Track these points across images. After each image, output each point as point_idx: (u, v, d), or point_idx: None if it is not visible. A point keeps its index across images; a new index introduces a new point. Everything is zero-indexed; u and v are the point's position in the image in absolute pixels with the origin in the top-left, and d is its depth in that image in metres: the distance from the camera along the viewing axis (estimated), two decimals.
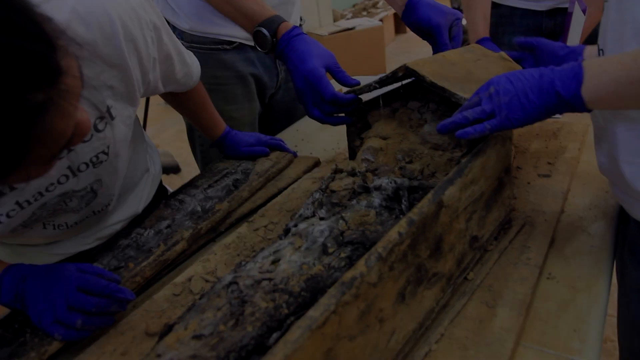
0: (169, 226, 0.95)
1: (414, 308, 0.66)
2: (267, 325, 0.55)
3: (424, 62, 0.87)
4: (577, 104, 0.68)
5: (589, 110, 0.70)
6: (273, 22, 1.05)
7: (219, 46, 1.32)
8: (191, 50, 1.28)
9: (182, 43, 1.28)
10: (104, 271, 0.77)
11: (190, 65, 1.03)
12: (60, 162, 0.77)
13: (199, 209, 1.00)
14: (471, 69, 0.92)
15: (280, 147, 1.23)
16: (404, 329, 0.64)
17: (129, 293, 0.75)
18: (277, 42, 1.04)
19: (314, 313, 0.51)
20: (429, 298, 0.69)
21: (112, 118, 0.81)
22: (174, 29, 1.30)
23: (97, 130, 0.79)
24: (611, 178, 0.81)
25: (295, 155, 1.23)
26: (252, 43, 1.33)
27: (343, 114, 1.01)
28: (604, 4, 0.76)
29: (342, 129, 1.03)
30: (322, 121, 1.02)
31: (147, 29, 0.82)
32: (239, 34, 1.33)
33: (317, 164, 1.21)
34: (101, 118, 0.79)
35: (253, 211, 1.04)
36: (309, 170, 1.18)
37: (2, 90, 0.42)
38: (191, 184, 1.11)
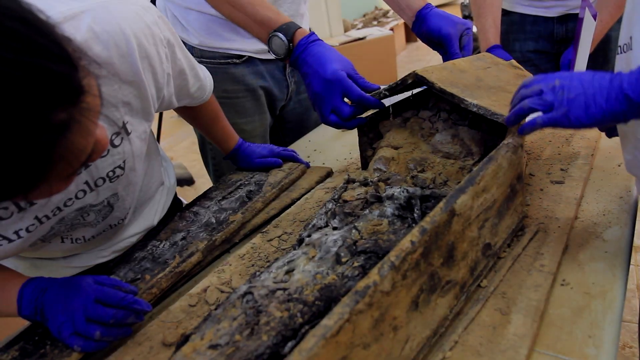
0: (184, 238, 0.96)
1: (427, 316, 0.66)
2: (282, 335, 0.56)
3: (433, 69, 0.88)
4: None
5: None
6: (289, 28, 1.05)
7: (229, 60, 1.34)
8: (202, 65, 1.31)
9: None
10: (121, 283, 0.79)
11: (203, 80, 1.04)
12: (78, 178, 0.78)
13: (213, 220, 1.01)
14: (481, 76, 0.93)
15: (293, 158, 1.25)
16: (418, 336, 0.65)
17: (146, 304, 0.77)
18: (294, 48, 1.04)
19: (328, 322, 0.51)
20: (443, 306, 0.69)
21: (128, 133, 0.83)
22: (183, 44, 1.33)
23: (114, 146, 0.81)
24: (637, 175, 0.81)
25: (307, 165, 1.24)
26: (261, 56, 1.36)
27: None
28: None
29: (355, 139, 1.04)
30: (339, 126, 1.00)
31: (161, 46, 0.84)
32: (248, 48, 1.35)
33: (329, 174, 1.22)
34: (117, 134, 0.81)
35: (267, 222, 1.05)
36: (321, 180, 1.19)
37: (27, 110, 0.44)
38: (205, 195, 1.12)
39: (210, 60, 1.33)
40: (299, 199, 1.11)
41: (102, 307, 0.73)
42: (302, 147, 1.46)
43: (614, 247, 0.84)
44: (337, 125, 1.00)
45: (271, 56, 1.25)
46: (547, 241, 0.85)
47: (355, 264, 0.66)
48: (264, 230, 1.00)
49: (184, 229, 1.00)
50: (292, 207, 1.08)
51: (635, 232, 0.92)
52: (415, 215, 0.75)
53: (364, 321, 0.55)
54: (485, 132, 0.92)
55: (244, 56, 1.35)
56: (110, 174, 0.83)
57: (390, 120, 1.00)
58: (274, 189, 1.12)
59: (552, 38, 1.71)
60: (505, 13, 1.76)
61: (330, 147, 1.43)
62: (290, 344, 0.56)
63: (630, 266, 0.84)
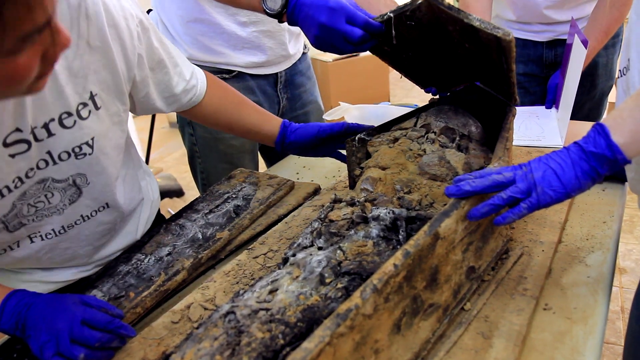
0: (169, 253, 0.96)
1: (409, 339, 0.66)
2: (262, 356, 0.56)
3: None
4: (613, 154, 0.68)
5: (628, 161, 0.69)
6: None
7: (218, 75, 1.34)
8: None
9: None
10: (108, 305, 0.78)
11: (189, 79, 1.01)
12: (39, 145, 0.77)
13: (199, 236, 1.01)
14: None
15: (350, 128, 1.10)
16: (400, 359, 0.65)
17: (131, 330, 0.77)
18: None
19: (309, 345, 0.51)
20: (425, 329, 0.69)
21: (97, 107, 0.82)
22: None
23: (80, 117, 0.80)
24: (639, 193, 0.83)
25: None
26: (251, 71, 1.37)
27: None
28: (626, 26, 0.78)
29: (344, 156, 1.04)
30: (355, 48, 0.97)
31: (131, 20, 0.83)
32: (238, 62, 1.36)
33: (317, 191, 1.22)
34: (84, 104, 0.80)
35: (253, 238, 1.05)
36: (309, 197, 1.19)
37: None
38: (191, 207, 1.12)
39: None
40: (286, 215, 1.11)
41: (89, 329, 0.72)
42: (290, 163, 1.47)
43: (596, 272, 0.85)
44: (357, 44, 0.96)
45: (261, 71, 1.28)
46: (531, 265, 0.86)
47: (339, 285, 0.66)
48: (249, 247, 1.00)
49: (169, 243, 0.99)
50: (278, 224, 1.08)
51: (618, 254, 0.93)
52: (401, 237, 0.75)
53: (345, 344, 0.55)
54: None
55: (234, 71, 1.36)
56: (77, 149, 0.81)
57: (379, 140, 1.00)
58: (261, 205, 1.12)
59: (541, 62, 1.75)
60: None
61: (319, 164, 1.44)
62: None
63: (615, 288, 0.85)
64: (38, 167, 0.78)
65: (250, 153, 1.49)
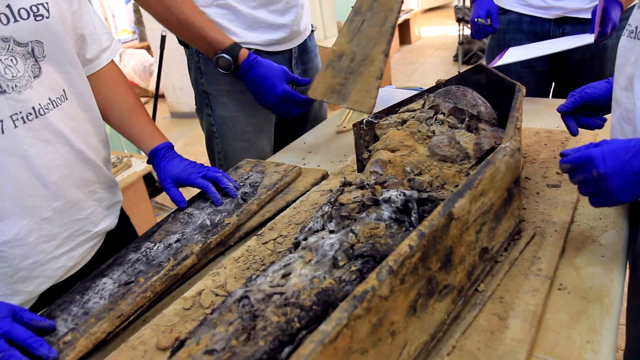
0: (178, 240, 0.95)
1: (425, 320, 0.65)
2: (279, 340, 0.55)
3: None
4: None
5: None
6: (234, 50, 1.28)
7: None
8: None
9: (202, 53, 1.38)
10: (40, 319, 0.77)
11: (99, 35, 1.05)
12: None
13: (208, 222, 1.00)
14: None
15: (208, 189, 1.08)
16: (416, 341, 0.64)
17: (52, 351, 0.73)
18: (239, 66, 1.29)
19: (326, 327, 0.51)
20: (440, 310, 0.68)
21: None
22: None
23: None
24: None
25: (218, 202, 1.07)
26: (267, 48, 1.43)
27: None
28: None
29: (349, 140, 1.04)
30: (296, 112, 1.35)
31: None
32: (254, 40, 1.40)
33: (325, 176, 1.21)
34: None
35: (262, 224, 1.05)
36: (317, 182, 1.18)
37: None
38: (199, 197, 1.11)
39: None
40: (294, 201, 1.11)
41: (4, 342, 0.72)
42: (296, 149, 1.46)
43: (611, 252, 0.84)
44: (294, 113, 1.35)
45: (277, 48, 1.41)
46: (544, 245, 0.85)
47: (353, 268, 0.65)
48: (259, 232, 1.00)
49: (178, 231, 0.99)
50: (287, 209, 1.07)
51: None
52: (413, 218, 0.74)
53: (362, 326, 0.54)
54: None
55: (250, 49, 1.35)
56: (34, 9, 0.86)
57: (387, 123, 0.99)
58: (269, 191, 1.11)
59: (548, 39, 1.72)
60: (503, 12, 1.77)
61: (325, 149, 1.43)
62: (287, 350, 0.55)
63: None
64: (1, 22, 0.82)
65: (267, 132, 1.52)
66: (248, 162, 1.28)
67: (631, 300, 0.98)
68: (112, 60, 1.11)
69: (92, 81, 1.04)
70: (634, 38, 0.75)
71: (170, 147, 1.11)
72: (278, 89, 1.28)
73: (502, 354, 0.65)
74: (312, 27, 1.60)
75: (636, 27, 0.74)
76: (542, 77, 1.79)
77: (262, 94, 1.31)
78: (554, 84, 1.86)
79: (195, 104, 1.52)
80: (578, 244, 0.87)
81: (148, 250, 0.94)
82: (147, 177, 2.72)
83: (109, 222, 1.05)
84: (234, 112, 1.44)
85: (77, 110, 0.96)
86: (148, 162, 1.14)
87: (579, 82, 1.48)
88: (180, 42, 1.43)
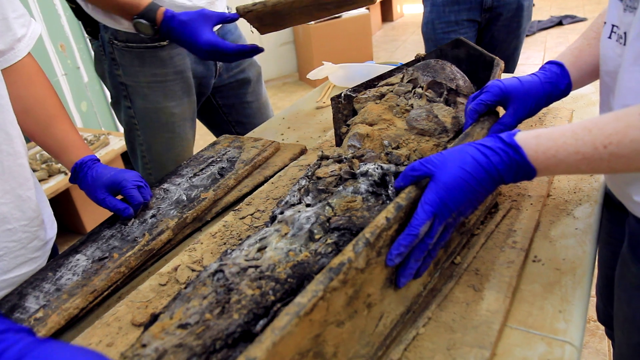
0: (153, 216, 0.94)
1: (401, 293, 0.66)
2: (253, 313, 0.55)
3: None
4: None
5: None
6: (151, 12, 1.15)
7: (156, 44, 1.28)
8: (127, 50, 1.26)
9: (117, 43, 1.27)
10: None
11: (11, 22, 0.86)
12: None
13: (184, 197, 0.99)
14: None
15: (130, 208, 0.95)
16: (392, 313, 0.64)
17: None
18: (159, 28, 1.16)
19: (302, 299, 0.50)
20: (417, 282, 0.69)
21: None
22: (115, 30, 1.27)
23: None
24: (612, 175, 0.81)
25: (128, 214, 0.94)
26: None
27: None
28: None
29: (330, 117, 1.02)
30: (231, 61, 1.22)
31: None
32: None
33: (303, 151, 1.20)
34: None
35: (239, 200, 1.04)
36: (295, 158, 1.17)
37: None
38: (175, 172, 1.09)
39: (136, 44, 1.27)
40: (272, 176, 1.09)
41: None
42: (275, 124, 1.44)
43: (584, 224, 0.85)
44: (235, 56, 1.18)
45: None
46: (520, 218, 0.86)
47: (329, 241, 0.65)
48: (236, 208, 0.99)
49: (153, 207, 0.97)
50: (265, 184, 1.06)
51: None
52: (390, 191, 0.74)
53: (338, 299, 0.54)
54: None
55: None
56: None
57: (365, 97, 0.98)
58: (246, 166, 1.10)
59: (481, 7, 1.90)
60: None
61: (304, 124, 1.41)
62: (262, 322, 0.54)
63: None
64: None
65: (191, 120, 1.44)
66: (226, 137, 1.26)
67: (602, 271, 1.00)
68: (29, 53, 0.93)
69: (4, 79, 0.84)
70: (623, 44, 0.70)
71: (96, 159, 0.96)
72: (201, 40, 1.13)
73: (476, 325, 0.66)
74: (227, 9, 1.48)
75: (625, 33, 0.69)
76: (474, 31, 1.99)
77: (190, 50, 1.17)
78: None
79: (111, 97, 1.42)
80: (553, 217, 0.88)
81: (122, 226, 0.92)
82: (125, 155, 2.68)
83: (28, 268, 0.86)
84: (157, 104, 1.35)
85: None
86: (70, 180, 0.95)
87: (501, 37, 1.97)
88: (88, 33, 1.33)
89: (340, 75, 1.63)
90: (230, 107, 1.54)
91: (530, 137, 0.63)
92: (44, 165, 2.30)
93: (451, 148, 0.68)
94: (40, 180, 2.21)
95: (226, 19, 1.20)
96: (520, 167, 0.63)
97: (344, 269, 0.54)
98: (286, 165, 1.13)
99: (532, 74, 0.85)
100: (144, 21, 1.15)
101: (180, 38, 1.15)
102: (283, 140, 1.31)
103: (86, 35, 1.34)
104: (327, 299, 0.52)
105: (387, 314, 0.63)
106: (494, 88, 0.81)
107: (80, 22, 1.32)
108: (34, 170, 2.19)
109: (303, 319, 0.49)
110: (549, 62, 0.86)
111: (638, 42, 0.64)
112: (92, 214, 2.48)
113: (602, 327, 1.43)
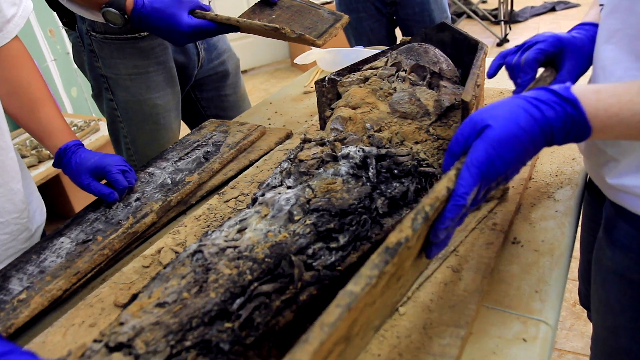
0: (138, 199, 0.94)
1: (417, 260, 0.59)
2: (230, 292, 0.55)
3: None
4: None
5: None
6: (120, 0, 1.08)
7: (136, 35, 1.25)
8: (106, 42, 1.22)
9: (95, 35, 1.23)
10: None
11: (1, 2, 0.86)
12: None
13: (169, 181, 0.99)
14: None
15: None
16: (408, 282, 0.62)
17: None
18: (130, 18, 1.10)
19: (355, 288, 0.43)
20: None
21: None
22: (92, 22, 1.23)
23: None
24: (588, 158, 0.79)
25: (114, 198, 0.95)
26: None
27: None
28: None
29: (316, 101, 1.02)
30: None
31: None
32: None
33: (289, 135, 1.20)
34: None
35: (224, 183, 1.04)
36: (281, 142, 1.17)
37: None
38: (161, 156, 1.10)
39: (116, 36, 1.24)
40: (257, 160, 1.10)
41: None
42: (262, 109, 1.44)
43: (564, 206, 0.86)
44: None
45: None
46: (501, 201, 0.86)
47: (307, 222, 0.66)
48: (221, 191, 0.99)
49: (138, 190, 0.97)
50: (250, 168, 1.06)
51: None
52: (370, 174, 0.75)
53: (383, 280, 0.47)
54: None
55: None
56: None
57: (349, 80, 0.98)
58: (232, 149, 1.10)
59: None
60: None
61: (291, 109, 1.41)
62: (238, 301, 0.55)
63: None
64: None
65: (175, 111, 1.41)
66: (212, 122, 1.26)
67: (584, 255, 1.01)
68: (17, 37, 0.92)
69: None
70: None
71: (79, 144, 0.96)
72: (183, 25, 1.08)
73: (453, 304, 0.67)
74: (209, 2, 1.44)
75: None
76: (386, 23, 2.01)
77: (170, 38, 1.13)
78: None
79: (92, 89, 1.39)
80: (534, 199, 0.89)
81: (107, 209, 0.93)
82: None
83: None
84: (140, 97, 1.33)
85: None
86: (54, 165, 0.95)
87: (411, 31, 1.94)
88: (64, 24, 1.29)
89: (328, 59, 1.63)
90: (209, 100, 1.52)
91: (589, 91, 0.56)
92: (33, 152, 2.28)
93: (497, 101, 0.59)
94: (29, 167, 2.20)
95: (200, 7, 1.14)
96: (574, 125, 0.55)
97: (400, 249, 0.47)
98: (271, 149, 1.14)
99: (570, 31, 0.76)
100: (113, 10, 1.08)
101: (158, 25, 1.10)
102: (270, 124, 1.31)
103: (62, 26, 1.31)
104: (376, 284, 0.46)
105: (406, 284, 0.62)
106: (551, 37, 0.72)
107: (54, 12, 1.28)
108: (23, 157, 2.18)
109: (354, 309, 0.43)
110: (583, 23, 0.78)
111: (610, 19, 0.64)
112: (82, 200, 2.48)
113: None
